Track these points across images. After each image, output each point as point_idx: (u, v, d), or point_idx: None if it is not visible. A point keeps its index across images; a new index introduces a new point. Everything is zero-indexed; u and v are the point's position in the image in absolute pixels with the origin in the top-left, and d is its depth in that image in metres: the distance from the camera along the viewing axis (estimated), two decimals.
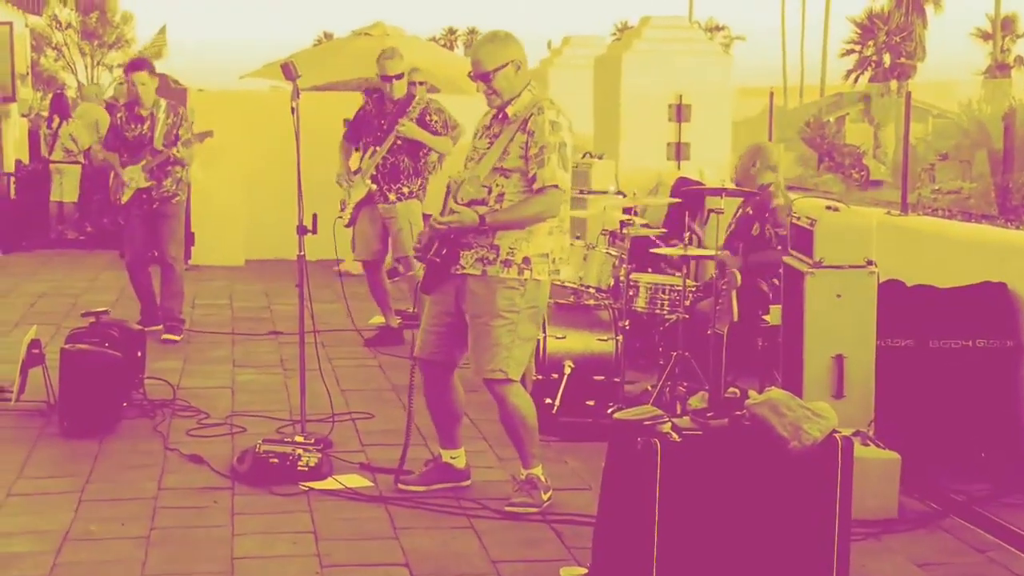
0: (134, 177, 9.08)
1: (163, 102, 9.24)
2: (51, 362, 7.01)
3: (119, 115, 9.37)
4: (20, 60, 22.00)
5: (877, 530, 5.12)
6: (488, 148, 5.45)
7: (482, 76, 5.43)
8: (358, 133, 8.99)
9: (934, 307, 6.52)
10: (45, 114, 19.34)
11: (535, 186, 5.33)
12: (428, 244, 5.51)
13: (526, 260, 5.39)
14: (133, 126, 9.15)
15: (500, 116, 5.49)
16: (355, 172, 8.87)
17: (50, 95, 15.12)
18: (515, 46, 5.49)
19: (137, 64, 9.48)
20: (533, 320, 5.52)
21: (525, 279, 5.40)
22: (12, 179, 14.90)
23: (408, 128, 8.62)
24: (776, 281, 6.73)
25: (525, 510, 5.45)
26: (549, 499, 5.50)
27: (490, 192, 5.41)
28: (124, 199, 9.17)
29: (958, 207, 22.53)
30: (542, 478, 5.55)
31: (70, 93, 23.47)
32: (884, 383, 5.99)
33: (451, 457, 5.78)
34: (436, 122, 8.76)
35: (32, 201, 14.81)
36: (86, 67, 60.76)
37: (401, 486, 5.74)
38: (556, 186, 5.32)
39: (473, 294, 5.42)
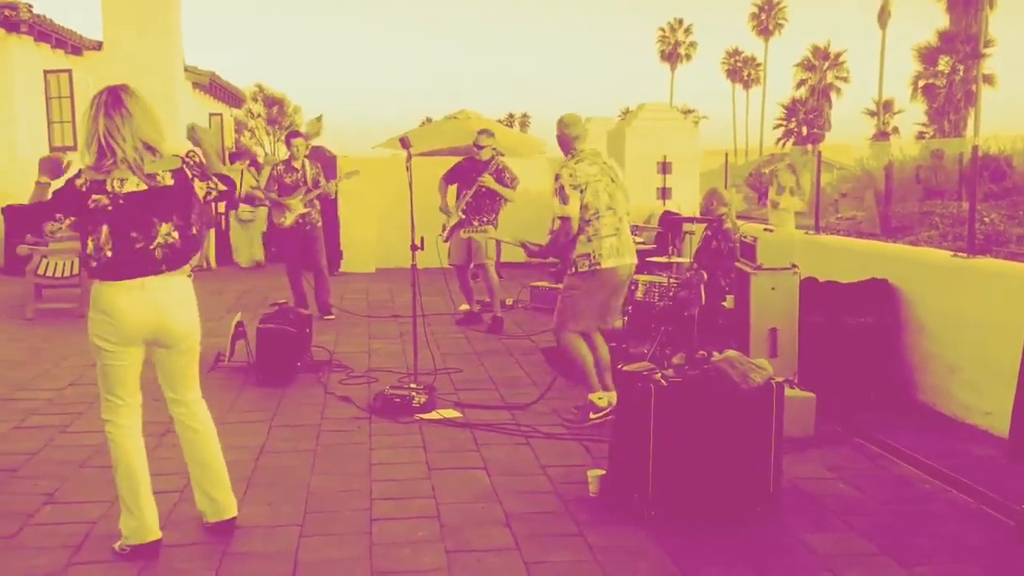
0: (295, 206, 9.08)
1: (307, 159, 9.25)
2: (250, 335, 7.11)
3: (279, 167, 9.25)
4: (227, 138, 22.28)
5: (800, 445, 5.08)
6: None
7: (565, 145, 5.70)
8: (451, 178, 9.01)
9: (838, 296, 6.47)
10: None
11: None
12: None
13: (573, 261, 5.47)
14: (290, 174, 9.14)
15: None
16: (455, 207, 8.91)
17: (247, 161, 15.07)
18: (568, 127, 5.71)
19: (296, 134, 9.55)
20: (588, 295, 5.55)
21: (574, 271, 5.50)
22: (223, 216, 14.99)
23: (487, 180, 8.65)
24: (726, 281, 6.69)
25: (571, 423, 5.56)
26: (597, 417, 5.51)
27: (553, 224, 5.69)
28: (288, 223, 9.10)
29: (853, 229, 22.22)
30: (596, 403, 5.56)
31: (259, 159, 23.66)
32: (805, 346, 5.94)
33: (597, 397, 5.64)
34: (508, 177, 8.78)
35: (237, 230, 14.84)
36: (270, 143, 61.33)
37: (566, 418, 5.69)
38: (563, 217, 5.47)
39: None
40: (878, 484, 4.65)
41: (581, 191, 5.44)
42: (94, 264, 3.63)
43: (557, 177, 5.51)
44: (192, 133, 4.02)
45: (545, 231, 5.82)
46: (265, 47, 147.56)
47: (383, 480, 4.65)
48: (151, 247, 3.64)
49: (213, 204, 3.83)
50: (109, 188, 3.59)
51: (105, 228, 3.60)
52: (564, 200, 5.43)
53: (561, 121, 5.71)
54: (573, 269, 5.58)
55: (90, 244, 3.63)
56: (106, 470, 4.65)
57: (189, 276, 3.84)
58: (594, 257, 5.50)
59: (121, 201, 3.60)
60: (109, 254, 3.60)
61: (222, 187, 3.87)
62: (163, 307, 3.69)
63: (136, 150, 3.60)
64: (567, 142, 5.67)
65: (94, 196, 3.59)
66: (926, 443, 5.25)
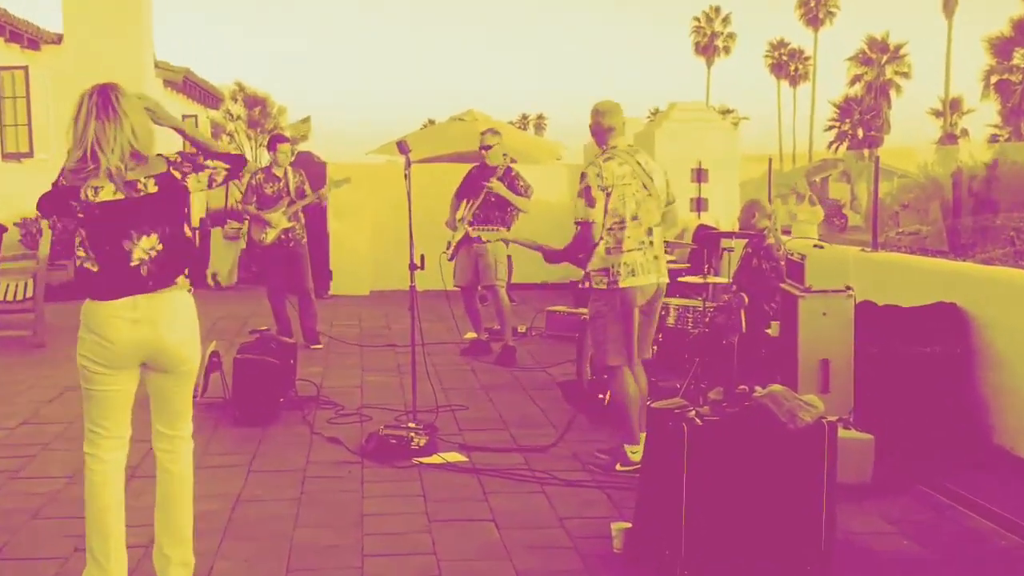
0: (278, 220, 9.07)
1: (289, 167, 9.28)
2: (227, 367, 7.12)
3: (258, 176, 9.24)
4: None
5: (856, 494, 5.04)
6: None
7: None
8: (463, 192, 9.02)
9: (899, 322, 6.44)
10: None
11: None
12: None
13: (587, 275, 5.50)
14: (272, 184, 9.14)
15: None
16: (459, 220, 8.91)
17: None
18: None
19: (281, 138, 9.55)
20: (613, 314, 5.48)
21: (589, 285, 5.58)
22: (196, 232, 15.06)
23: (495, 185, 8.67)
24: (770, 305, 6.68)
25: (598, 467, 5.56)
26: (625, 471, 5.45)
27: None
28: (268, 239, 9.10)
29: (917, 245, 22.19)
30: (629, 456, 5.50)
31: None
32: (861, 380, 5.91)
33: (632, 451, 5.54)
34: (521, 185, 8.80)
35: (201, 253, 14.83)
36: (251, 148, 61.72)
37: (589, 462, 5.71)
38: (584, 222, 5.44)
39: None
40: (946, 539, 4.61)
41: (608, 193, 5.40)
42: (83, 279, 3.74)
43: (583, 176, 5.47)
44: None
45: (564, 245, 5.79)
46: (246, 41, 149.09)
47: (376, 533, 4.64)
48: (132, 264, 3.71)
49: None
50: (83, 196, 3.68)
51: (85, 239, 3.72)
52: (591, 202, 5.38)
53: (595, 109, 5.65)
54: (588, 283, 5.56)
55: (79, 253, 3.75)
56: (62, 522, 4.66)
57: (189, 291, 3.89)
58: (612, 273, 5.44)
59: (96, 211, 3.68)
60: (95, 269, 3.71)
61: (226, 166, 3.93)
62: (158, 326, 3.75)
63: (122, 158, 3.67)
64: (600, 133, 5.63)
65: (71, 201, 3.71)
66: (1002, 492, 5.20)
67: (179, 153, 3.88)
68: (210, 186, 3.91)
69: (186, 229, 3.87)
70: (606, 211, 5.41)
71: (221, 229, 14.26)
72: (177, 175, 3.80)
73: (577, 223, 5.46)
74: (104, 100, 3.68)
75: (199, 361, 3.99)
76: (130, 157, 3.69)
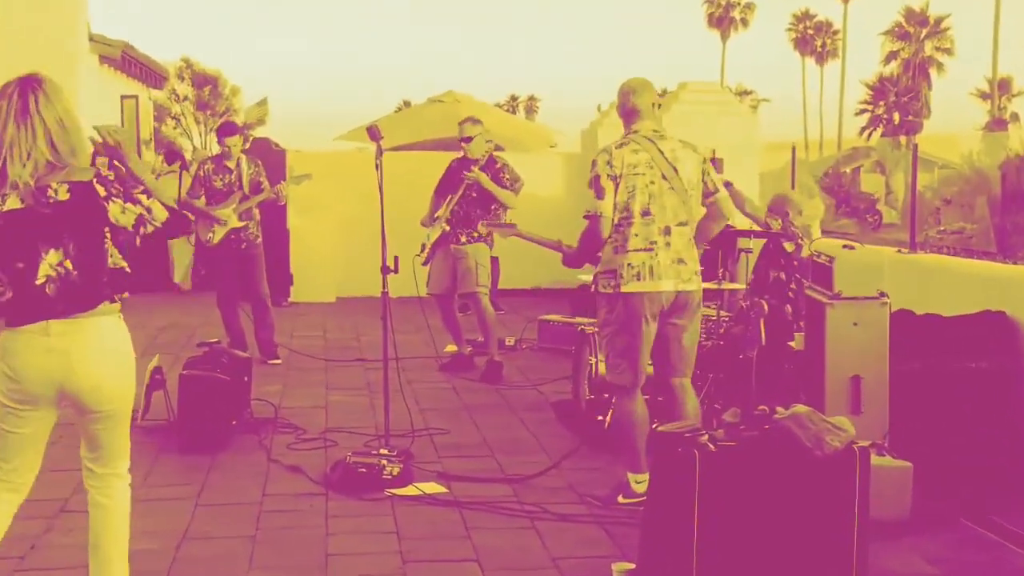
0: (228, 217, 9.04)
1: (243, 156, 9.26)
2: (171, 386, 7.10)
3: (207, 167, 9.22)
4: (144, 127, 22.39)
5: (892, 530, 5.04)
6: None
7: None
8: (444, 189, 9.02)
9: (941, 333, 6.46)
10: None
11: None
12: None
13: (595, 277, 5.52)
14: (222, 176, 9.12)
15: None
16: (435, 217, 8.91)
17: (178, 163, 14.96)
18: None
19: (230, 129, 9.48)
20: (619, 322, 5.44)
21: (595, 290, 5.58)
22: None
23: (476, 175, 8.66)
24: (794, 313, 6.69)
25: (594, 501, 5.54)
26: (628, 503, 5.44)
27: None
28: (216, 239, 9.08)
29: (961, 245, 22.26)
30: (632, 486, 5.48)
31: (186, 155, 23.82)
32: (897, 400, 5.92)
33: (635, 480, 5.53)
34: (507, 177, 8.79)
35: (154, 247, 14.82)
36: (200, 134, 61.68)
37: (585, 494, 5.71)
38: (591, 215, 5.44)
39: None
40: None
41: (617, 183, 5.40)
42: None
43: (593, 163, 5.46)
44: (105, 145, 3.90)
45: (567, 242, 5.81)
46: (194, 12, 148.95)
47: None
48: (37, 281, 3.65)
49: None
50: None
51: None
52: (599, 193, 5.38)
53: (621, 88, 5.64)
54: (594, 287, 5.58)
55: None
56: None
57: (119, 317, 3.82)
58: (617, 275, 5.41)
59: (0, 222, 3.63)
60: (8, 295, 3.67)
61: (165, 215, 3.80)
62: (71, 356, 3.67)
63: (34, 173, 3.61)
64: (625, 115, 5.63)
65: None
66: None
67: (118, 175, 3.80)
68: (136, 230, 3.76)
69: (111, 252, 3.80)
70: (615, 203, 5.42)
71: None
72: (100, 191, 3.69)
73: (585, 216, 5.48)
74: (23, 103, 3.62)
75: (131, 400, 3.91)
76: (44, 166, 3.62)
